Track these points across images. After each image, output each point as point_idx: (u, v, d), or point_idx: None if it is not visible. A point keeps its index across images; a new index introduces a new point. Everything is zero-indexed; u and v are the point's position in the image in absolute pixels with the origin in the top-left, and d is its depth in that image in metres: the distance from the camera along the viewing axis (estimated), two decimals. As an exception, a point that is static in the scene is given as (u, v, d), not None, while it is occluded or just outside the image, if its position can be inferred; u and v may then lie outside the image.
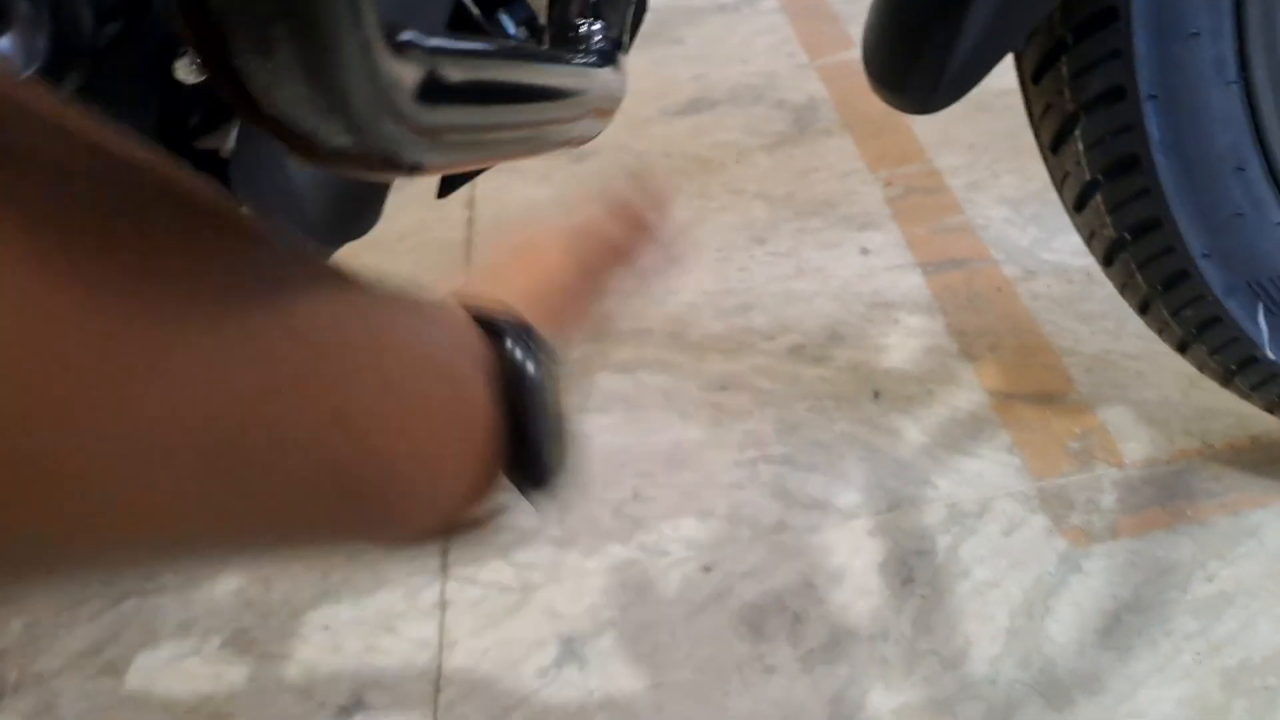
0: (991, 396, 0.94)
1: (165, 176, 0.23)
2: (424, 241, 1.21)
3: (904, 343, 1.01)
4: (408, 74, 0.29)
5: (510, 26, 0.63)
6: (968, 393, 0.95)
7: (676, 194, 1.25)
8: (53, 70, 0.38)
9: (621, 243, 0.52)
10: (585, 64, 0.50)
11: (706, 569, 0.83)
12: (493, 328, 0.35)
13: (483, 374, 0.34)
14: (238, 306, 0.23)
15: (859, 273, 1.09)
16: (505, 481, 0.35)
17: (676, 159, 1.31)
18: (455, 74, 0.32)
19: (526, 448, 0.35)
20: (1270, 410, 0.76)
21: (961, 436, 0.91)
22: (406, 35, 0.29)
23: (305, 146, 0.27)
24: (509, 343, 0.35)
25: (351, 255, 0.41)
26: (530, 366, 0.35)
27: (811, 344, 1.02)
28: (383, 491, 0.29)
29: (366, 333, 0.28)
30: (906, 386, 0.96)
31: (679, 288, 1.11)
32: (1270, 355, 0.67)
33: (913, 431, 0.92)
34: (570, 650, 0.78)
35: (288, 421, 0.24)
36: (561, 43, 0.51)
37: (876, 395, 0.96)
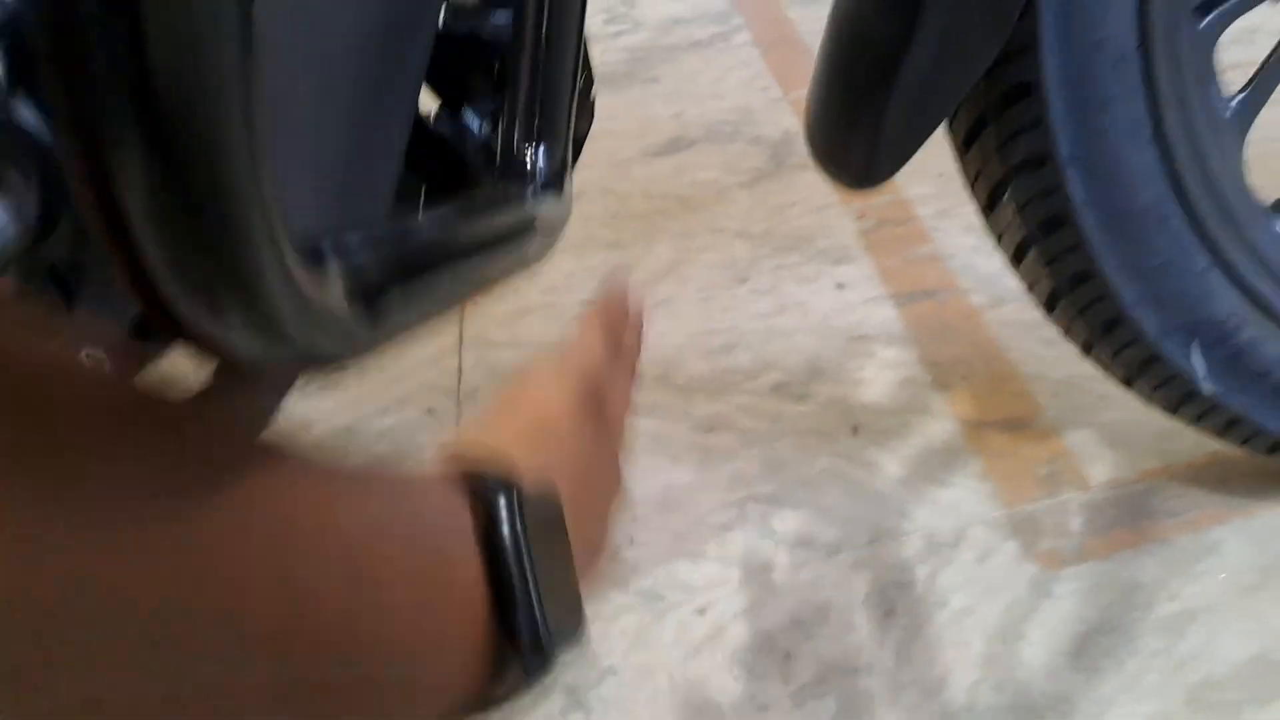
0: (964, 425, 0.98)
1: (62, 373, 0.22)
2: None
3: (880, 375, 1.05)
4: (331, 284, 0.31)
5: (475, 125, 0.67)
6: (941, 423, 0.99)
7: (660, 234, 1.29)
8: (40, 235, 0.42)
9: (612, 348, 0.49)
10: (530, 197, 0.53)
11: (700, 611, 0.88)
12: (482, 491, 0.33)
13: (473, 549, 0.32)
14: (163, 498, 0.22)
15: (836, 307, 1.14)
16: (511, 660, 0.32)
17: (658, 199, 1.35)
18: (383, 264, 0.35)
19: (522, 624, 0.32)
20: (1219, 437, 0.80)
21: (936, 467, 0.95)
22: (325, 245, 0.31)
23: (245, 363, 0.29)
24: (499, 509, 0.32)
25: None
26: (519, 532, 0.32)
27: (793, 381, 1.06)
28: (361, 686, 0.27)
29: (320, 517, 0.27)
30: (883, 419, 1.00)
31: (666, 330, 1.15)
32: (1206, 391, 0.71)
33: (890, 464, 0.96)
34: (575, 699, 0.83)
35: (240, 615, 0.24)
36: (507, 174, 0.55)
37: (855, 430, 1.00)
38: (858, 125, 0.66)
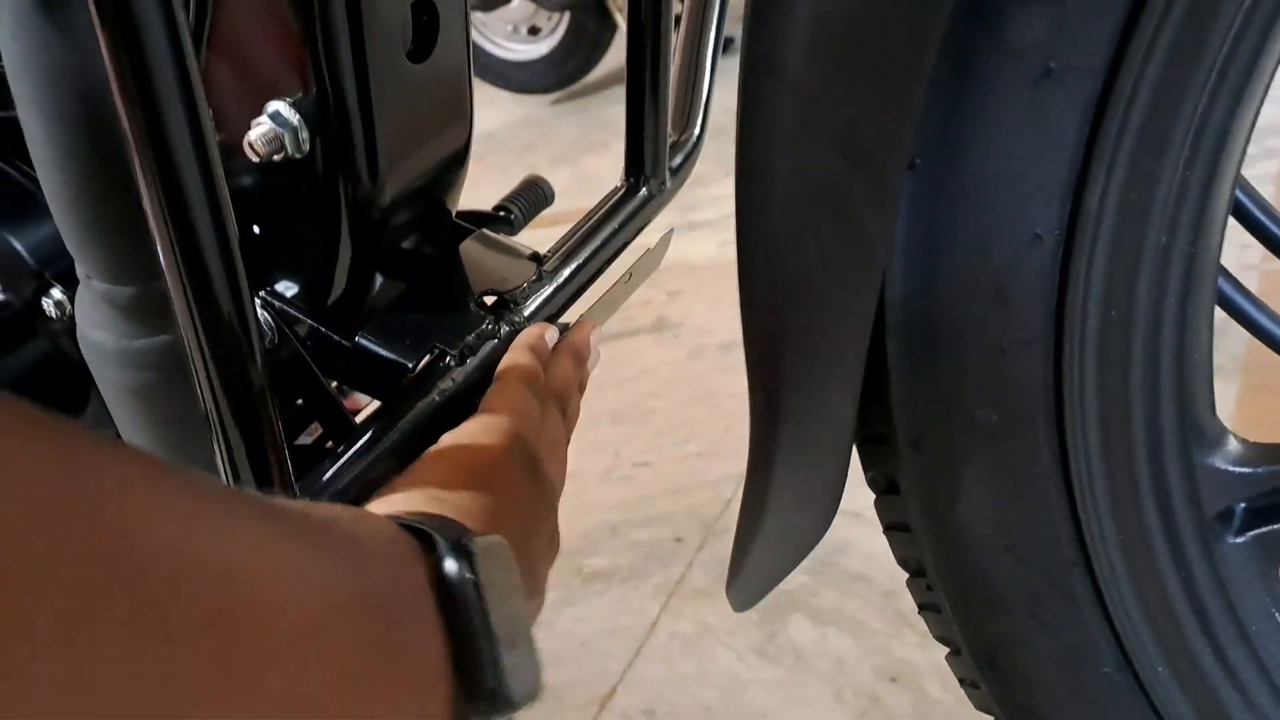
0: None
1: None
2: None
3: None
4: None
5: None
6: None
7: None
8: None
9: (541, 394, 0.51)
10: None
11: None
12: (428, 537, 0.32)
13: (428, 604, 0.30)
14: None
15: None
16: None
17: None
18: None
19: (485, 676, 0.30)
20: None
21: None
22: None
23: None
24: (442, 555, 0.31)
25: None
26: (466, 576, 0.31)
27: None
28: None
29: (266, 589, 0.24)
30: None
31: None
32: None
33: None
34: None
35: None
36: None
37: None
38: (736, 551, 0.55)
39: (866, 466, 0.47)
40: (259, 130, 0.49)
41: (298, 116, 0.50)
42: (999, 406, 0.39)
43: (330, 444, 0.55)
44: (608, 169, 2.54)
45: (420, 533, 0.32)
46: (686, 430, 1.40)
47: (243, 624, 0.23)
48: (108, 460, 0.21)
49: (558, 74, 2.99)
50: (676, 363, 1.55)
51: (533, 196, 0.78)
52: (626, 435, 1.41)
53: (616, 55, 3.16)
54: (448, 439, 0.47)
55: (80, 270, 0.45)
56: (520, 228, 0.74)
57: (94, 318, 0.45)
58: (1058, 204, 0.35)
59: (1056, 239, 0.36)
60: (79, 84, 0.40)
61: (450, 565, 0.31)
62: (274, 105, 0.49)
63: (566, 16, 2.98)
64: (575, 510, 1.27)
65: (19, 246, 0.55)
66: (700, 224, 1.92)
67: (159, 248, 0.38)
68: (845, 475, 0.43)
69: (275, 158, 0.50)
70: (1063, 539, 0.41)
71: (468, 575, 0.31)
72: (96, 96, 0.40)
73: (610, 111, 2.91)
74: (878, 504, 0.48)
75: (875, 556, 1.07)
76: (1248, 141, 0.37)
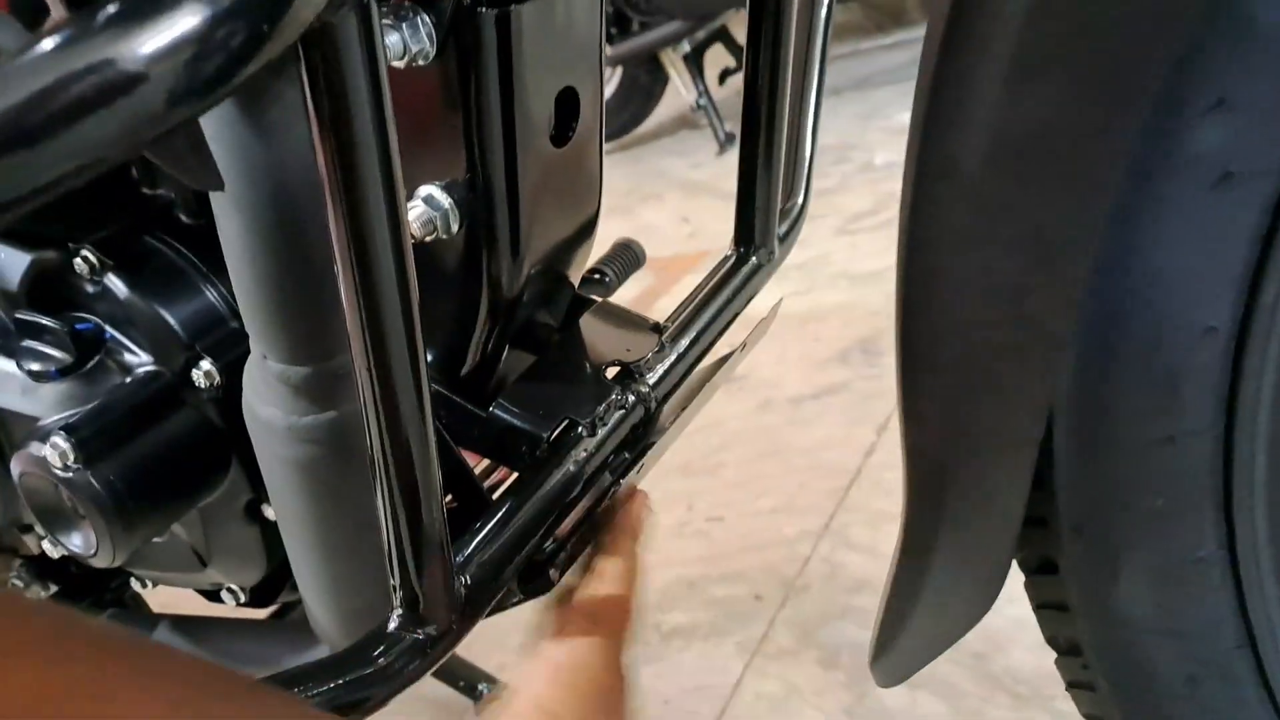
0: None
1: None
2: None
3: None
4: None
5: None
6: None
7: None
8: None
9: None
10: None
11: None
12: None
13: None
14: None
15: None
16: None
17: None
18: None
19: None
20: None
21: None
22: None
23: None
24: None
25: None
26: None
27: None
28: None
29: None
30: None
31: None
32: None
33: None
34: None
35: None
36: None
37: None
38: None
39: (1020, 547, 0.47)
40: (415, 213, 0.51)
41: (449, 200, 0.52)
42: (1166, 494, 0.39)
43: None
44: (663, 220, 2.56)
45: None
46: (759, 485, 1.40)
47: None
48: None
49: (611, 126, 3.03)
50: (745, 415, 1.56)
51: (626, 259, 0.80)
52: (699, 488, 1.41)
53: (667, 106, 3.20)
54: (557, 651, 0.48)
55: (256, 350, 0.47)
56: (614, 289, 0.76)
57: (265, 394, 0.47)
58: (1232, 297, 0.36)
59: (1230, 331, 0.36)
60: (283, 177, 0.42)
61: None
62: (426, 189, 0.51)
63: (619, 70, 3.03)
64: (652, 564, 1.28)
65: (171, 320, 0.58)
66: (763, 276, 1.93)
67: (350, 329, 0.40)
68: (1010, 563, 0.43)
69: (427, 239, 0.52)
70: (1227, 622, 0.41)
71: None
72: (298, 189, 0.42)
73: (664, 163, 2.95)
74: (1029, 584, 0.48)
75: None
76: None
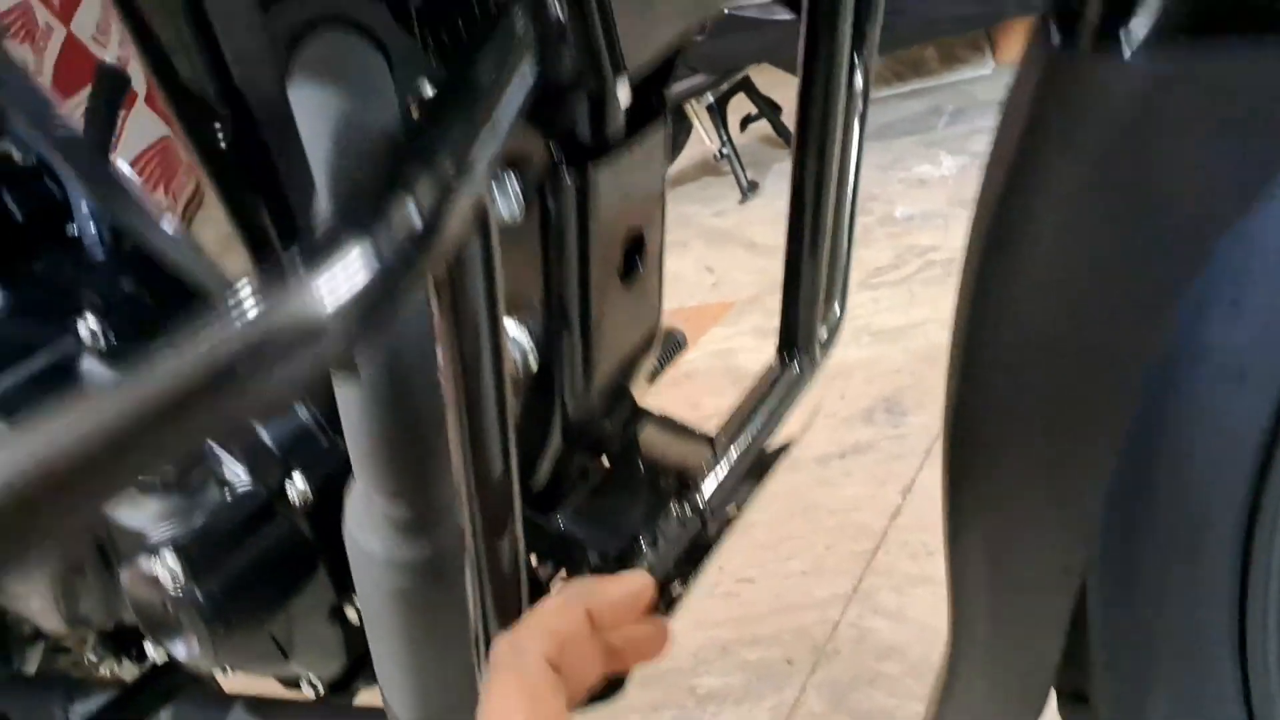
0: None
1: None
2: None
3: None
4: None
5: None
6: None
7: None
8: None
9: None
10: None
11: None
12: None
13: None
14: None
15: None
16: None
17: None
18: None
19: None
20: None
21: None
22: None
23: None
24: None
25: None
26: None
27: None
28: None
29: None
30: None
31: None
32: None
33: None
34: None
35: None
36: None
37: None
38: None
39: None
40: (500, 353, 0.56)
41: (529, 341, 0.57)
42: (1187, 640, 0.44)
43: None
44: (687, 268, 2.62)
45: None
46: (789, 546, 1.44)
47: None
48: None
49: (635, 173, 3.08)
50: (773, 473, 1.60)
51: (668, 347, 0.85)
52: (727, 549, 1.44)
53: (690, 153, 3.27)
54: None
55: (363, 485, 0.52)
56: (658, 377, 0.80)
57: (368, 525, 0.52)
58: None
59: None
60: (398, 347, 0.47)
61: None
62: (509, 331, 0.56)
63: (644, 118, 3.09)
64: (684, 626, 1.32)
65: (265, 436, 0.63)
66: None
67: (456, 471, 0.45)
68: (1048, 692, 0.48)
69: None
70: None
71: None
72: (411, 359, 0.47)
73: (685, 209, 3.00)
74: (1061, 708, 0.52)
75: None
76: None
